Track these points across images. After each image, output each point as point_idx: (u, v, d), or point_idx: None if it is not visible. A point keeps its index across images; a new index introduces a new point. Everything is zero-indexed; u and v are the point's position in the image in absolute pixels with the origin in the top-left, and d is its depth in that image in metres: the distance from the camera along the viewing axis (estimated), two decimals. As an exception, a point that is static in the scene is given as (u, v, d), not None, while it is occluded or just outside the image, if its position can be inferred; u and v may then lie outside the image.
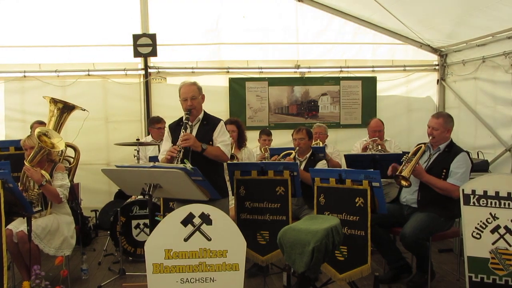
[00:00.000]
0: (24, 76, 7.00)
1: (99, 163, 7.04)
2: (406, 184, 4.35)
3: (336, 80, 7.66)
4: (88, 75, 7.12)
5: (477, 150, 6.55)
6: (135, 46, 6.92)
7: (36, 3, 6.89)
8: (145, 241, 3.06)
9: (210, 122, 4.21)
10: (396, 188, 5.10)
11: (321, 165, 5.10)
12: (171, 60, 7.34)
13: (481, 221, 3.69)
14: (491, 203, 3.66)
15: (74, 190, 5.38)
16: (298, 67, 7.57)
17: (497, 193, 3.63)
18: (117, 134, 7.10)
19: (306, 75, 7.62)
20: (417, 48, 7.66)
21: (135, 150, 5.78)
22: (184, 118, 4.09)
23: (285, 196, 4.57)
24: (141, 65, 7.28)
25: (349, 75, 7.67)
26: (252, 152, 5.88)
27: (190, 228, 3.02)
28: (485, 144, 6.59)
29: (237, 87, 7.47)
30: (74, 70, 7.08)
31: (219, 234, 3.03)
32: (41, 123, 5.74)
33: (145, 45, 6.93)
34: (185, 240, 3.02)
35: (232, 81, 7.45)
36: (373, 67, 7.68)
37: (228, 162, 4.57)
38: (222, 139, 4.14)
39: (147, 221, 5.24)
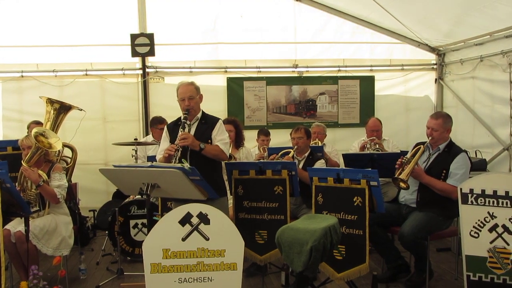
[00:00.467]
0: (22, 76, 6.98)
1: (97, 163, 7.02)
2: (405, 186, 4.33)
3: (334, 80, 7.66)
4: (86, 75, 7.11)
5: (475, 149, 6.55)
6: (133, 45, 6.90)
7: (34, 3, 6.87)
8: (143, 241, 3.06)
9: (208, 121, 4.22)
10: (394, 187, 5.09)
11: (319, 164, 5.10)
12: (169, 60, 7.34)
13: (479, 220, 3.69)
14: (489, 202, 3.66)
15: (72, 190, 5.37)
16: (296, 66, 7.57)
17: (495, 192, 3.64)
18: (115, 134, 7.09)
19: (304, 75, 7.62)
20: (415, 47, 7.67)
21: (133, 150, 5.78)
22: (182, 118, 4.10)
23: (283, 196, 4.57)
24: (139, 65, 7.26)
25: (347, 74, 7.67)
26: (250, 152, 5.87)
27: (188, 227, 3.02)
28: (483, 143, 6.60)
29: (235, 87, 7.47)
30: (72, 70, 7.06)
31: (217, 234, 3.02)
32: (38, 123, 5.72)
33: (143, 44, 6.92)
34: (183, 239, 3.01)
35: (230, 80, 7.45)
36: (371, 66, 7.68)
37: (226, 161, 4.57)
38: (221, 137, 4.15)
39: (145, 221, 5.24)
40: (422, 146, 4.56)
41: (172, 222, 3.02)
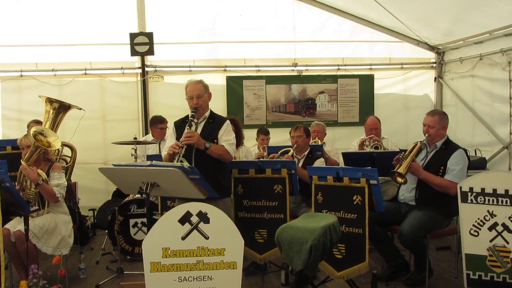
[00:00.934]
0: (21, 75, 6.97)
1: (96, 162, 7.01)
2: (402, 181, 4.36)
3: (333, 78, 7.66)
4: (85, 74, 7.11)
5: (475, 148, 6.56)
6: (132, 44, 6.90)
7: (33, 2, 6.87)
8: (143, 240, 3.06)
9: (215, 121, 4.21)
10: (394, 186, 5.10)
11: (319, 163, 5.10)
12: (168, 59, 7.33)
13: (478, 219, 3.70)
14: (488, 200, 3.67)
15: (71, 189, 5.38)
16: (295, 65, 7.56)
17: (494, 190, 3.64)
18: (115, 133, 7.09)
19: (303, 73, 7.62)
20: (415, 46, 7.67)
21: (132, 149, 5.78)
22: (189, 116, 4.08)
23: (283, 194, 4.57)
24: (138, 64, 7.26)
25: (346, 73, 7.67)
26: (249, 151, 5.87)
27: (187, 226, 3.01)
28: (483, 142, 6.60)
29: (234, 86, 7.47)
30: (71, 69, 7.05)
31: (217, 233, 3.02)
32: (38, 122, 5.72)
33: (142, 43, 6.92)
34: (183, 238, 3.01)
35: (229, 79, 7.44)
36: (370, 65, 7.69)
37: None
38: (227, 138, 4.14)
39: (145, 219, 5.24)
40: (419, 142, 4.58)
41: (172, 221, 3.02)
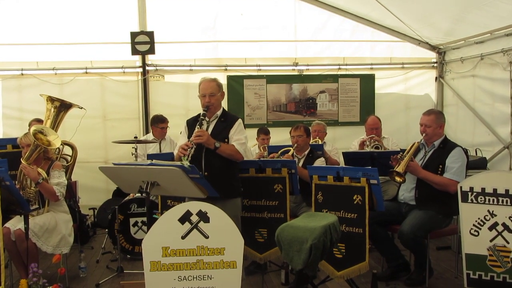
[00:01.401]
0: (22, 74, 6.97)
1: (97, 161, 7.01)
2: (400, 180, 4.37)
3: (334, 78, 7.65)
4: (86, 73, 7.10)
5: (475, 148, 6.55)
6: (133, 43, 6.90)
7: (34, 1, 6.86)
8: (143, 239, 3.05)
9: (227, 120, 4.17)
10: (394, 185, 5.10)
11: (319, 162, 5.10)
12: (169, 58, 7.33)
13: (479, 218, 3.70)
14: (489, 200, 3.67)
15: (72, 188, 5.38)
16: (296, 64, 7.56)
17: (495, 190, 3.64)
18: (115, 132, 7.09)
19: (304, 73, 7.61)
20: (416, 46, 7.66)
21: (133, 148, 5.78)
22: (201, 114, 4.06)
23: (283, 194, 4.57)
24: (139, 63, 7.26)
25: (347, 72, 7.67)
26: (250, 150, 5.87)
27: (187, 225, 3.01)
28: (484, 142, 6.59)
29: (235, 85, 7.46)
30: (72, 68, 7.06)
31: (217, 232, 3.01)
32: (39, 121, 5.72)
33: (143, 42, 6.92)
34: (183, 237, 3.01)
35: (230, 78, 7.43)
36: (371, 64, 7.68)
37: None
38: (238, 137, 4.09)
39: (145, 219, 5.23)
40: (416, 142, 4.59)
41: (172, 220, 3.02)
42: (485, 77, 6.61)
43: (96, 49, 7.06)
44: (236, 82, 7.46)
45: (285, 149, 5.27)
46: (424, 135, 4.56)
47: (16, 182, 4.51)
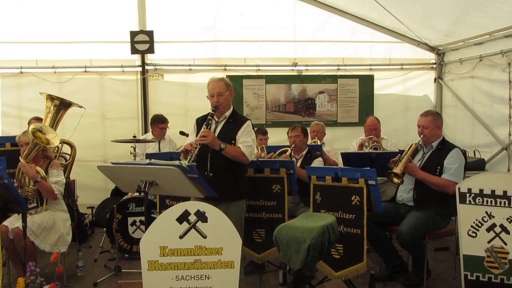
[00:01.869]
0: (21, 72, 6.96)
1: (95, 160, 7.02)
2: (398, 181, 4.38)
3: (333, 78, 7.65)
4: (85, 71, 7.10)
5: (474, 149, 6.55)
6: (132, 43, 6.89)
7: (34, -1, 6.88)
8: (141, 238, 3.06)
9: (236, 121, 4.13)
10: (392, 186, 5.10)
11: (317, 162, 5.10)
12: (169, 57, 7.32)
13: (477, 220, 3.69)
14: (487, 201, 3.66)
15: (70, 187, 5.37)
16: (295, 65, 7.56)
17: (493, 191, 3.64)
18: (114, 131, 7.09)
19: (303, 73, 7.61)
20: (415, 47, 7.65)
21: (131, 147, 5.78)
22: (208, 114, 4.04)
23: (281, 194, 4.57)
24: (138, 62, 7.25)
25: (346, 73, 7.66)
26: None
27: (185, 225, 3.01)
28: (482, 143, 6.60)
29: (234, 85, 7.28)
30: (71, 67, 7.05)
31: (215, 232, 3.01)
32: (39, 119, 5.71)
33: (142, 42, 6.91)
34: (181, 237, 3.01)
35: (229, 78, 7.38)
36: (370, 65, 7.68)
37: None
38: (245, 139, 4.04)
39: (143, 218, 5.23)
40: (414, 143, 4.60)
41: (170, 219, 3.02)
42: (484, 78, 6.61)
43: (96, 48, 7.06)
44: (235, 82, 7.42)
45: (283, 149, 5.27)
46: (422, 136, 4.57)
47: (15, 180, 4.51)
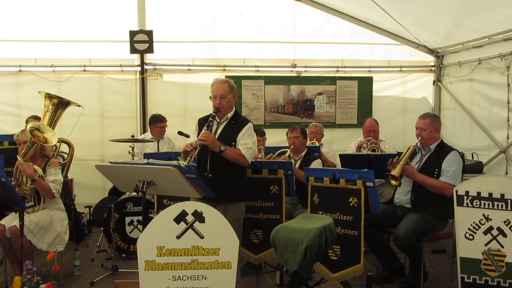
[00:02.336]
0: (20, 71, 6.96)
1: (93, 159, 7.02)
2: (396, 184, 4.38)
3: (332, 80, 7.66)
4: (84, 70, 7.10)
5: (472, 152, 6.57)
6: (132, 42, 6.89)
7: (33, -3, 6.87)
8: (138, 238, 3.05)
9: (237, 122, 4.11)
10: (390, 188, 5.10)
11: (316, 164, 5.10)
12: (168, 57, 7.33)
13: (474, 222, 3.69)
14: (484, 204, 3.67)
15: (68, 186, 5.35)
16: (294, 66, 7.57)
17: (490, 194, 3.64)
18: (112, 130, 7.10)
19: (302, 74, 7.62)
20: (414, 49, 7.68)
21: (130, 146, 5.77)
22: (210, 116, 4.02)
23: (279, 195, 4.56)
24: (138, 62, 7.26)
25: (345, 75, 7.68)
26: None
27: (182, 225, 3.00)
28: (480, 146, 6.61)
29: (233, 85, 7.43)
30: (70, 66, 7.05)
31: (212, 232, 3.01)
32: (37, 118, 5.71)
33: (141, 41, 6.91)
34: (178, 237, 3.00)
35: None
36: (369, 67, 7.69)
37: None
38: (245, 141, 4.02)
39: (141, 218, 5.21)
40: (411, 146, 4.60)
41: (167, 219, 3.01)
42: (483, 81, 6.63)
43: (95, 47, 7.06)
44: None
45: (282, 150, 5.27)
46: (419, 138, 4.57)
47: (12, 178, 4.50)
